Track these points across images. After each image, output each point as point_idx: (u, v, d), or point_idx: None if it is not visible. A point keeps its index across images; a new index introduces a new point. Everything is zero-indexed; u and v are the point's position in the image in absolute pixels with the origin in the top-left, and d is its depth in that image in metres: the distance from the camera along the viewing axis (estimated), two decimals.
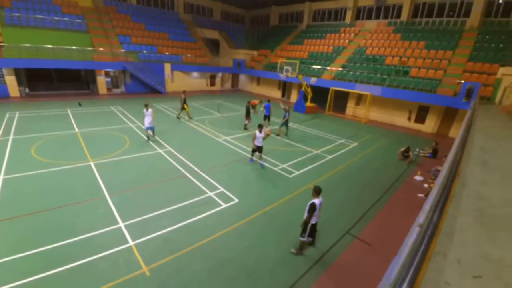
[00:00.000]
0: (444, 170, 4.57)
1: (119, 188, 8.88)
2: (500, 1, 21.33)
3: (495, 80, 17.61)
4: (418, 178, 11.37)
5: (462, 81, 17.79)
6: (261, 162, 11.57)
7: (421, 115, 20.77)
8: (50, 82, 25.05)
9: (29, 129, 13.73)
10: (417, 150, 14.57)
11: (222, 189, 9.33)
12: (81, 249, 6.18)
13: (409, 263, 2.02)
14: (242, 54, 35.11)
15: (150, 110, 12.80)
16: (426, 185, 10.54)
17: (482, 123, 9.49)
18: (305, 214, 6.25)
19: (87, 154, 11.28)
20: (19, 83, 21.36)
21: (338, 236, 7.37)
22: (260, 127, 11.01)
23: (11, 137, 12.49)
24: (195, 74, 31.42)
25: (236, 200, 8.72)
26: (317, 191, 6.17)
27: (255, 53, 36.00)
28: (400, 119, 21.82)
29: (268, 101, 17.35)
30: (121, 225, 7.12)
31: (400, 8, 26.62)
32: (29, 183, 8.83)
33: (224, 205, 8.38)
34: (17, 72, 21.08)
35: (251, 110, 20.43)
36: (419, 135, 19.16)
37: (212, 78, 33.77)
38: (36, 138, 12.63)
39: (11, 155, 10.70)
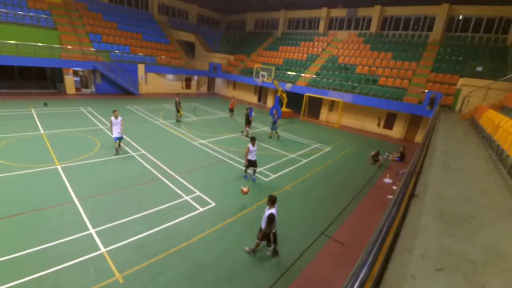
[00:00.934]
0: (407, 173, 4.94)
1: (89, 193, 8.48)
2: (460, 18, 23.30)
3: (456, 90, 19.13)
4: (387, 180, 12.02)
5: (426, 91, 19.14)
6: (253, 176, 10.86)
7: (389, 121, 22.00)
8: (12, 79, 23.31)
9: None
10: (386, 154, 15.39)
11: (198, 192, 9.23)
12: (48, 258, 5.82)
13: (375, 258, 2.17)
14: (219, 58, 35.06)
15: (119, 118, 11.45)
16: (395, 187, 11.16)
17: (443, 129, 10.26)
18: (263, 225, 6.32)
19: (53, 157, 10.65)
20: None
21: (314, 237, 7.58)
22: (253, 140, 10.34)
23: None
24: (170, 76, 30.82)
25: (213, 203, 8.67)
26: (272, 201, 6.19)
27: (232, 57, 36.11)
28: (370, 125, 22.93)
29: (250, 104, 18.14)
30: (92, 231, 6.80)
31: (369, 20, 28.14)
32: None
33: (201, 209, 8.30)
34: None
35: (232, 114, 20.61)
36: (388, 140, 20.24)
37: (188, 81, 33.32)
38: None
39: None
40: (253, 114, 18.18)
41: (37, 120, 14.93)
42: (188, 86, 33.47)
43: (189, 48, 36.20)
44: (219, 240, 7.02)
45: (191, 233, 7.17)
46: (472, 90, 16.39)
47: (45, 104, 18.30)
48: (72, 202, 7.90)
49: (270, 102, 29.98)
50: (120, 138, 11.71)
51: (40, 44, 21.16)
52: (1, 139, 11.78)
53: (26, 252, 5.90)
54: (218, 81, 36.69)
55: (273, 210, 6.15)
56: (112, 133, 11.54)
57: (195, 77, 33.93)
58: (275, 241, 6.54)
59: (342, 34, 30.11)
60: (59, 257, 5.86)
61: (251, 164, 10.44)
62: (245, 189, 8.87)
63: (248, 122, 16.78)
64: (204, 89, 36.24)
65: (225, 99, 31.08)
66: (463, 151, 7.42)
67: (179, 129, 16.63)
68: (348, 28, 30.01)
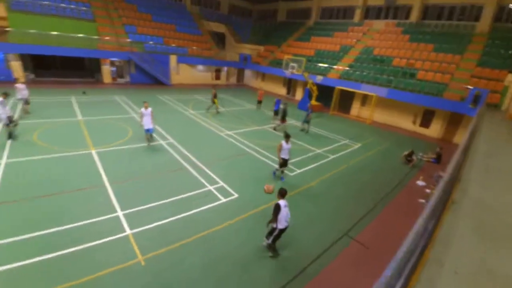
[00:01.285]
0: (446, 175, 4.47)
1: (120, 177, 8.87)
2: (511, 6, 20.95)
3: (503, 87, 17.36)
4: (420, 183, 11.27)
5: (470, 87, 17.55)
6: (282, 176, 10.23)
7: (426, 119, 20.56)
8: (55, 69, 24.99)
9: (33, 114, 13.74)
10: (421, 154, 14.44)
11: (222, 183, 9.30)
12: (78, 236, 6.20)
13: (403, 269, 1.94)
14: (248, 49, 34.86)
15: (149, 109, 11.08)
16: (428, 191, 10.44)
17: (488, 130, 9.36)
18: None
19: (89, 142, 11.28)
20: (24, 68, 21.35)
21: (336, 236, 7.32)
22: (288, 137, 9.58)
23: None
24: (200, 67, 31.25)
25: (236, 195, 8.69)
26: (281, 193, 5.96)
27: (262, 48, 35.73)
28: (405, 122, 21.62)
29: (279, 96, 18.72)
30: (120, 213, 7.12)
31: (409, 9, 26.24)
32: (30, 168, 8.85)
33: (223, 200, 8.35)
34: (22, 58, 21.05)
35: (259, 106, 20.45)
36: (424, 139, 18.99)
37: (218, 72, 33.59)
38: (39, 124, 12.64)
39: (12, 140, 10.70)
40: (280, 106, 17.93)
41: (76, 107, 15.89)
42: (217, 77, 33.77)
43: (220, 39, 36.38)
44: (238, 231, 7.02)
45: (212, 222, 7.24)
46: None
47: (84, 93, 19.41)
48: (103, 186, 8.32)
49: (299, 94, 29.37)
50: (150, 130, 11.42)
51: (80, 35, 22.36)
52: (42, 124, 12.69)
53: (61, 229, 6.33)
54: (247, 73, 36.59)
55: (280, 201, 5.88)
56: (143, 125, 11.20)
57: (225, 68, 34.11)
58: (274, 239, 6.21)
59: (379, 24, 28.45)
60: (89, 236, 6.21)
61: (284, 163, 9.76)
62: (270, 187, 8.83)
63: (283, 117, 16.21)
64: (233, 80, 36.37)
65: (253, 91, 30.98)
66: (508, 154, 6.68)
67: (207, 119, 16.84)
68: (386, 17, 28.28)
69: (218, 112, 18.76)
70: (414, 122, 21.08)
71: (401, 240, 2.21)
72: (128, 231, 6.51)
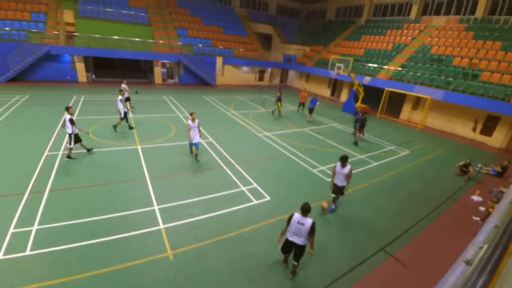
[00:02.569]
0: (509, 193, 3.79)
1: (159, 173, 9.39)
2: None
3: None
4: (475, 198, 9.94)
5: None
6: (335, 205, 8.41)
7: (488, 126, 18.11)
8: (113, 70, 27.55)
9: (91, 111, 15.28)
10: (480, 166, 12.77)
11: (255, 184, 9.28)
12: (117, 225, 6.69)
13: None
14: (294, 50, 34.46)
15: (197, 121, 10.13)
16: (483, 208, 9.16)
17: None
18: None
19: (136, 138, 12.16)
20: (87, 69, 23.98)
21: (371, 251, 6.80)
22: (345, 160, 7.60)
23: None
24: (244, 68, 31.79)
25: (268, 197, 8.61)
26: (301, 208, 5.27)
27: (308, 48, 35.05)
28: (463, 129, 19.34)
29: (315, 95, 18.84)
30: (155, 208, 7.52)
31: (475, 3, 23.35)
32: (82, 159, 9.84)
33: (255, 202, 8.33)
34: (85, 60, 23.66)
35: (301, 108, 19.76)
36: (484, 149, 16.80)
37: (261, 73, 33.82)
38: (96, 120, 13.99)
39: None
40: (317, 103, 18.19)
41: (128, 106, 17.25)
42: (261, 78, 34.01)
43: (266, 40, 36.58)
44: (267, 235, 6.92)
45: (242, 223, 7.26)
46: None
47: (136, 92, 21.05)
48: (144, 179, 8.89)
49: (344, 96, 28.15)
50: (198, 144, 10.42)
51: (137, 39, 24.32)
52: (98, 120, 14.05)
53: (101, 218, 6.90)
54: (291, 73, 36.21)
55: (295, 214, 5.34)
56: (190, 139, 10.25)
57: (269, 69, 34.20)
58: (283, 251, 5.73)
59: (439, 20, 25.87)
60: (126, 226, 6.67)
61: (336, 190, 8.05)
62: (325, 205, 8.24)
63: (362, 126, 14.47)
64: (276, 81, 36.30)
65: (297, 92, 30.52)
66: None
67: (247, 120, 17.03)
68: (448, 13, 25.60)
69: (280, 115, 18.81)
70: (474, 129, 18.74)
71: (446, 260, 1.89)
72: (161, 225, 6.84)
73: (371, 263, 6.38)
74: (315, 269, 6.04)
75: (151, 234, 6.51)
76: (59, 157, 9.78)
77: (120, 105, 12.43)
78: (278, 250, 5.89)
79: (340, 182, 7.80)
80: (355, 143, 14.50)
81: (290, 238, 5.43)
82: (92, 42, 22.51)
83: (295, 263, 5.65)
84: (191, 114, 10.21)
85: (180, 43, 26.83)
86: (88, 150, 10.32)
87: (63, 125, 9.52)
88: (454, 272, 2.07)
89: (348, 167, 7.63)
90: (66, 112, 9.54)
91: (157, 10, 28.86)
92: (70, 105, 14.80)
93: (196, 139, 10.23)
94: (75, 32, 22.65)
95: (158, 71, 26.54)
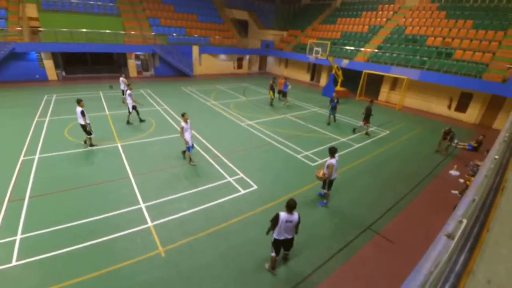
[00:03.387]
0: (485, 166, 3.95)
1: (142, 169, 9.15)
2: None
3: None
4: (453, 172, 10.45)
5: None
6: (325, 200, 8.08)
7: (463, 102, 18.91)
8: (85, 65, 26.17)
9: (64, 111, 14.51)
10: (456, 141, 13.35)
11: (241, 174, 9.26)
12: (104, 227, 6.50)
13: (435, 279, 1.68)
14: (271, 35, 34.05)
15: (189, 121, 9.29)
16: (462, 180, 9.65)
17: None
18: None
19: (115, 136, 11.73)
20: (56, 66, 22.58)
21: (358, 230, 7.02)
22: (333, 152, 7.39)
23: (47, 119, 13.30)
24: (222, 56, 31.13)
25: (255, 186, 8.62)
26: (287, 205, 5.03)
27: (285, 33, 34.73)
28: (439, 107, 20.09)
29: (285, 79, 19.06)
30: (142, 205, 7.35)
31: None
32: (62, 162, 9.39)
33: (243, 191, 8.32)
34: (54, 56, 22.24)
35: (278, 95, 19.49)
36: (459, 125, 17.55)
37: (240, 61, 33.28)
38: (70, 119, 13.31)
39: (46, 135, 11.43)
40: (289, 87, 18.77)
41: (103, 102, 16.58)
42: (239, 66, 33.49)
43: (242, 26, 35.83)
44: (256, 223, 6.96)
45: (231, 214, 7.26)
46: None
47: (111, 87, 20.18)
48: (127, 178, 8.63)
49: (323, 80, 28.35)
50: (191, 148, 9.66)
51: (107, 31, 23.08)
52: (73, 119, 13.25)
53: (86, 221, 6.66)
54: (270, 60, 35.90)
55: (282, 213, 5.08)
56: (187, 142, 9.30)
57: (247, 56, 33.70)
58: (275, 250, 5.45)
59: (412, 1, 26.24)
60: (113, 227, 6.49)
61: (331, 184, 7.82)
62: (320, 173, 7.36)
63: (367, 116, 13.50)
64: (255, 68, 35.91)
65: (277, 78, 30.35)
66: None
67: (228, 109, 16.81)
68: None
69: (271, 105, 18.58)
70: (449, 107, 19.52)
71: (430, 234, 1.94)
72: (149, 223, 6.70)
73: (358, 242, 6.59)
74: (305, 255, 6.16)
75: (140, 233, 6.38)
76: (35, 161, 9.28)
77: (129, 100, 12.64)
78: (269, 246, 5.93)
79: (335, 174, 7.62)
80: (354, 130, 14.40)
81: (281, 238, 5.26)
82: (59, 37, 21.11)
83: (286, 252, 5.77)
84: (183, 115, 9.16)
85: (153, 33, 25.76)
86: (90, 144, 10.64)
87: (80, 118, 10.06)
88: (437, 246, 2.13)
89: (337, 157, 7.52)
90: (77, 105, 10.05)
91: None
92: (42, 104, 14.06)
93: (191, 141, 9.40)
94: (39, 27, 21.13)
95: (132, 63, 25.47)
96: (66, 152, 10.04)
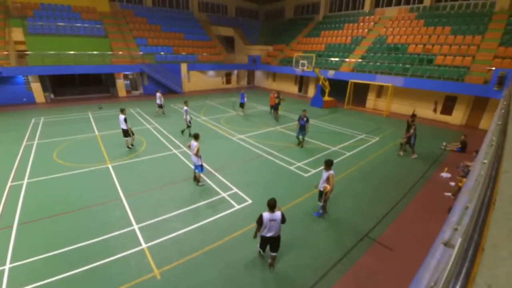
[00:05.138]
0: (475, 170, 3.97)
1: (135, 190, 8.97)
2: None
3: None
4: (445, 175, 10.60)
5: (493, 68, 16.44)
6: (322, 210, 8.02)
7: (448, 105, 19.49)
8: (74, 87, 26.02)
9: (53, 133, 14.27)
10: (444, 144, 13.64)
11: (235, 189, 9.17)
12: (97, 251, 6.28)
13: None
14: (258, 50, 34.73)
15: (192, 142, 8.96)
16: (453, 183, 9.79)
17: None
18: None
19: (105, 157, 11.53)
20: (44, 89, 22.39)
21: (356, 239, 6.97)
22: (330, 164, 7.29)
23: (35, 142, 13.03)
24: (211, 72, 31.47)
25: (250, 201, 8.53)
26: (268, 205, 5.38)
27: (271, 48, 35.50)
28: (425, 111, 20.61)
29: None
30: (135, 227, 7.16)
31: None
32: (51, 186, 9.15)
33: (237, 206, 8.22)
34: (42, 79, 22.08)
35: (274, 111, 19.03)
36: (446, 128, 18.00)
37: (228, 76, 33.70)
38: (59, 142, 13.10)
39: (35, 159, 11.17)
40: (245, 100, 19.14)
41: (93, 123, 16.39)
42: (228, 81, 33.87)
43: (229, 43, 36.51)
44: (252, 238, 6.80)
45: (227, 231, 7.13)
46: None
47: (100, 108, 20.03)
48: (119, 199, 8.43)
49: (311, 91, 28.85)
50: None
51: (94, 52, 23.12)
52: (61, 142, 13.15)
53: (78, 246, 6.43)
54: (258, 74, 36.46)
55: (265, 214, 5.42)
56: (200, 158, 8.98)
57: (235, 72, 34.15)
58: (261, 246, 5.88)
59: (391, 11, 27.37)
60: (106, 251, 6.27)
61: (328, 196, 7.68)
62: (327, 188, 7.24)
63: (409, 142, 12.41)
64: (244, 82, 36.37)
65: (265, 91, 30.78)
66: None
67: (219, 124, 16.83)
68: (398, 3, 27.20)
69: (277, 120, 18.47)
70: (435, 110, 20.05)
71: (428, 238, 1.93)
72: (143, 245, 6.52)
73: (357, 251, 6.54)
74: (304, 265, 6.07)
75: (134, 256, 6.18)
76: (24, 186, 9.01)
77: (188, 117, 13.94)
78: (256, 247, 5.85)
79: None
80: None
81: (267, 235, 5.57)
82: (46, 60, 21.04)
83: (274, 254, 5.84)
84: (195, 137, 8.93)
85: (141, 53, 25.95)
86: (131, 144, 12.48)
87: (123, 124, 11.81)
88: (435, 255, 2.11)
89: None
90: (121, 113, 11.85)
91: (113, 20, 27.68)
92: (29, 128, 13.95)
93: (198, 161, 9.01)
94: (26, 51, 21.04)
95: (121, 83, 25.44)
96: (55, 176, 9.79)
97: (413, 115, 12.61)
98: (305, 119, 12.45)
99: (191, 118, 14.34)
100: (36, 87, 21.66)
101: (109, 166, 10.71)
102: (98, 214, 7.71)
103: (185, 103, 14.21)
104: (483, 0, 21.91)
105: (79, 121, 16.72)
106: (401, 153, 12.63)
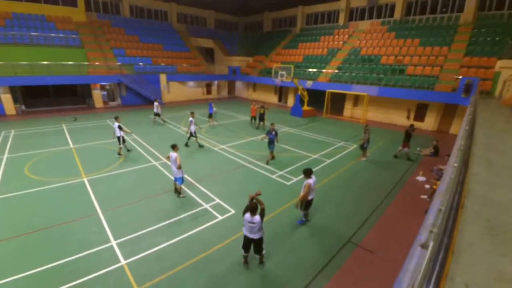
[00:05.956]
0: (447, 174, 4.17)
1: (112, 204, 8.62)
2: None
3: (494, 73, 17.39)
4: (420, 178, 11.06)
5: (460, 77, 17.58)
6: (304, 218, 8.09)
7: (420, 112, 20.52)
8: (47, 98, 24.95)
9: (24, 147, 13.55)
10: (418, 149, 14.26)
11: (218, 200, 9.05)
12: (73, 270, 5.93)
13: None
14: (237, 61, 35.10)
15: (170, 153, 8.92)
16: (428, 186, 10.22)
17: (483, 118, 9.19)
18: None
19: (81, 170, 11.06)
20: (15, 100, 21.30)
21: (339, 244, 7.05)
22: (310, 172, 7.41)
23: (5, 156, 12.30)
24: (191, 83, 31.34)
25: (233, 211, 8.44)
26: (249, 209, 5.65)
27: (250, 59, 36.00)
28: (399, 118, 21.56)
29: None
30: (113, 243, 6.85)
31: (392, 7, 26.59)
32: (22, 202, 8.62)
33: (220, 217, 8.10)
34: (12, 90, 21.03)
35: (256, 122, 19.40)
36: (420, 133, 18.85)
37: (208, 87, 33.69)
38: (31, 155, 12.43)
39: (4, 174, 10.52)
40: (213, 109, 19.52)
41: (67, 135, 15.73)
42: (208, 92, 33.84)
43: (209, 54, 36.65)
44: (237, 249, 6.69)
45: (211, 242, 6.98)
46: None
47: (75, 119, 19.30)
48: (96, 214, 8.06)
49: (291, 101, 29.40)
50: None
51: (69, 62, 22.40)
52: (33, 155, 12.49)
53: (52, 265, 6.04)
54: (238, 84, 36.73)
55: (246, 215, 5.71)
56: (181, 171, 8.88)
57: (215, 82, 34.22)
58: (246, 247, 6.06)
59: (364, 24, 28.76)
60: (82, 270, 5.93)
61: (309, 204, 7.74)
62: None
63: (409, 139, 13.11)
64: (224, 93, 36.47)
65: (246, 101, 30.99)
66: (509, 143, 6.45)
67: (200, 135, 16.65)
68: (370, 17, 28.62)
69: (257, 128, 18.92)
70: (408, 117, 21.04)
71: (407, 240, 1.99)
72: (122, 261, 6.23)
73: (341, 257, 6.61)
74: (291, 275, 6.04)
75: (112, 273, 5.88)
76: None
77: (193, 127, 13.96)
78: (255, 263, 5.77)
79: (313, 195, 7.57)
80: (395, 156, 13.65)
81: (249, 235, 5.82)
82: (17, 70, 20.09)
83: (259, 255, 6.13)
84: (173, 147, 8.92)
85: (119, 63, 25.43)
86: (127, 150, 13.29)
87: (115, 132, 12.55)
88: (413, 257, 2.18)
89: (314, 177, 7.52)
90: (115, 121, 12.53)
91: (90, 30, 27.08)
92: None
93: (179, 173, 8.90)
94: None
95: (97, 94, 24.70)
96: (27, 191, 9.24)
97: (412, 125, 13.26)
98: (273, 132, 12.07)
99: (195, 129, 14.29)
100: (6, 99, 20.59)
101: (85, 179, 10.26)
102: (73, 231, 7.31)
103: (192, 114, 14.37)
104: (448, 14, 23.57)
105: (52, 134, 15.97)
106: (364, 158, 13.27)
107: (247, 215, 5.68)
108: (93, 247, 6.65)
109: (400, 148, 13.43)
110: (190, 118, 13.98)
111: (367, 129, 13.03)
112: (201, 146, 14.39)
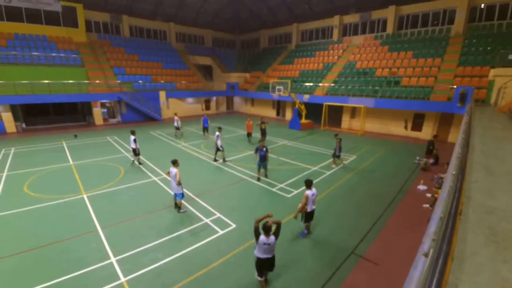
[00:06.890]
0: (447, 182, 4.18)
1: (112, 221, 8.53)
2: (483, 6, 22.00)
3: (488, 82, 17.74)
4: (421, 187, 11.03)
5: (455, 86, 17.90)
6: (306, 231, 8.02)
7: (417, 122, 20.72)
8: (48, 115, 25.17)
9: (24, 164, 13.53)
10: (418, 158, 14.29)
11: (218, 214, 8.98)
12: None
13: None
14: (235, 77, 35.69)
15: (171, 169, 9.05)
16: (429, 195, 10.19)
17: (480, 126, 9.29)
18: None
19: (80, 187, 11.00)
20: (16, 118, 21.50)
21: (343, 257, 6.95)
22: (310, 183, 7.50)
23: (5, 174, 12.28)
24: (190, 99, 31.70)
25: (234, 225, 8.36)
26: (263, 230, 5.41)
27: (248, 75, 36.63)
28: (397, 129, 21.73)
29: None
30: (113, 260, 6.73)
31: (385, 21, 27.39)
32: (20, 220, 8.53)
33: (221, 232, 8.01)
34: (13, 108, 21.25)
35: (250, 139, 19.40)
36: (418, 143, 18.95)
37: (207, 102, 34.08)
38: (30, 173, 12.40)
39: (3, 192, 10.47)
40: (208, 124, 19.91)
41: (67, 152, 15.74)
42: (207, 107, 34.19)
43: (207, 71, 37.29)
44: (238, 264, 6.64)
45: (211, 258, 6.86)
46: (508, 81, 15.06)
47: (75, 136, 19.37)
48: (95, 231, 7.97)
49: (288, 115, 29.67)
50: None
51: (70, 81, 22.73)
52: (33, 173, 12.46)
53: (50, 283, 5.91)
54: (237, 99, 37.20)
55: (261, 237, 5.45)
56: (174, 190, 9.06)
57: (214, 98, 34.66)
58: (260, 271, 5.72)
59: (358, 39, 29.51)
60: None
61: (310, 216, 7.74)
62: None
63: (431, 151, 14.20)
64: (223, 108, 36.85)
65: (244, 116, 31.25)
66: (506, 150, 6.50)
67: (199, 150, 16.72)
68: (363, 32, 29.40)
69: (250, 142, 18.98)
70: (405, 127, 21.21)
71: (411, 250, 1.97)
72: (122, 279, 6.11)
73: (345, 269, 6.50)
74: (295, 285, 5.92)
75: None
76: None
77: (219, 142, 14.08)
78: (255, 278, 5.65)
79: (312, 206, 7.58)
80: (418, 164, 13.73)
81: (263, 256, 5.55)
82: (18, 89, 20.35)
83: (271, 271, 5.95)
84: (174, 163, 9.04)
85: (119, 81, 25.80)
86: (139, 163, 13.76)
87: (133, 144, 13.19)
88: (417, 266, 2.17)
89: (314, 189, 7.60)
90: (131, 134, 13.18)
91: (90, 50, 27.66)
92: None
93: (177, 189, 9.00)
94: None
95: (97, 111, 24.91)
96: (26, 209, 9.16)
97: (435, 136, 13.97)
98: (264, 149, 11.51)
99: (222, 146, 14.35)
100: (7, 117, 20.80)
101: (84, 196, 10.20)
102: (72, 248, 7.20)
103: (219, 129, 14.57)
104: (439, 26, 24.27)
105: (52, 151, 15.99)
106: (337, 164, 13.84)
107: (262, 237, 5.39)
108: (92, 264, 6.53)
109: (425, 159, 13.65)
110: (217, 133, 14.08)
111: (338, 138, 13.68)
112: (225, 161, 14.44)
